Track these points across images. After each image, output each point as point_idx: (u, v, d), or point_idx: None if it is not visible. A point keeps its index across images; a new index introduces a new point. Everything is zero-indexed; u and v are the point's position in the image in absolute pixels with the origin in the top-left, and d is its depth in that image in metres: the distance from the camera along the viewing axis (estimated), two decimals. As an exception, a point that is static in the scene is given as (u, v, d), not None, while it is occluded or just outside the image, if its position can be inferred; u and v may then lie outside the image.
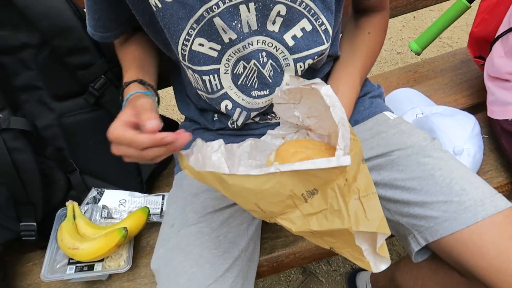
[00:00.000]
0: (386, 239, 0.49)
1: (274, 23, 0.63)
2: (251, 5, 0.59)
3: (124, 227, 0.80)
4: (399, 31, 2.02)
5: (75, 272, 0.80)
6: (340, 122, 0.51)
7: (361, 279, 1.14)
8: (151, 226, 0.90)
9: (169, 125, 0.98)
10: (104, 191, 0.90)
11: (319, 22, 0.64)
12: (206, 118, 0.80)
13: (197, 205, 0.72)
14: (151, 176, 0.96)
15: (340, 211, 0.48)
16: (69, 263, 0.81)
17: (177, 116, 1.79)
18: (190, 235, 0.69)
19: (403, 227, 0.69)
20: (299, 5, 0.61)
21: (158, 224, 0.89)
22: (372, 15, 0.77)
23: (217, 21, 0.60)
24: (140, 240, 0.89)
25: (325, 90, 0.54)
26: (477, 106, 0.97)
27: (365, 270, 1.15)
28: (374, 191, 0.50)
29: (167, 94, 1.90)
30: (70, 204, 0.86)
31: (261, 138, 0.69)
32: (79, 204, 0.88)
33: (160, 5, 0.59)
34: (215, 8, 0.59)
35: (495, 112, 0.85)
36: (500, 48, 0.85)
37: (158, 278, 0.70)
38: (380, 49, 0.79)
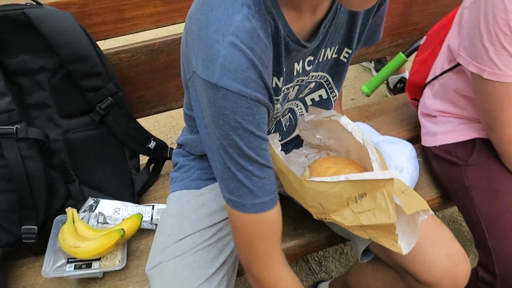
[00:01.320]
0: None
1: (303, 93, 0.81)
2: (296, 88, 0.75)
3: (122, 228, 0.91)
4: (352, 80, 2.32)
5: (74, 269, 0.89)
6: (365, 141, 0.70)
7: (321, 290, 1.29)
8: (141, 233, 1.01)
9: (157, 147, 1.11)
10: (99, 200, 1.01)
11: (333, 93, 0.84)
12: None
13: (193, 220, 0.84)
14: (142, 189, 1.08)
15: (388, 210, 0.64)
16: (68, 262, 0.90)
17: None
18: (186, 244, 0.81)
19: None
20: (323, 80, 0.81)
21: (148, 230, 1.02)
22: None
23: (277, 105, 0.73)
24: (131, 245, 0.99)
25: (343, 119, 0.73)
26: (414, 138, 1.19)
27: (324, 281, 1.30)
28: (408, 187, 0.66)
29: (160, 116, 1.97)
30: (70, 210, 0.95)
31: (286, 155, 0.85)
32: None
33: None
34: (279, 98, 0.72)
35: (427, 141, 1.08)
36: (429, 91, 1.09)
37: (153, 282, 0.81)
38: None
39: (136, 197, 1.07)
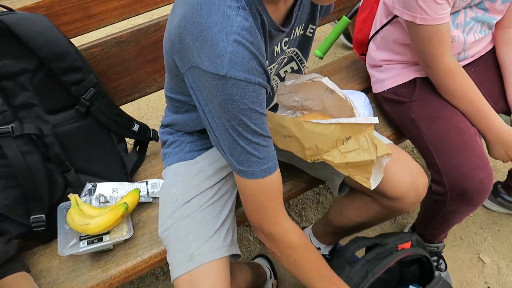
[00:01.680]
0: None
1: (277, 68, 0.93)
2: (276, 67, 0.89)
3: (125, 202, 1.01)
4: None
5: (87, 245, 0.99)
6: (347, 97, 0.84)
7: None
8: (139, 207, 1.11)
9: (140, 129, 1.20)
10: (97, 184, 1.10)
11: (302, 64, 0.97)
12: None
13: (195, 184, 0.96)
14: (133, 169, 1.18)
15: (369, 149, 0.80)
16: (80, 240, 1.00)
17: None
18: (192, 205, 0.94)
19: (329, 170, 1.01)
20: (294, 54, 0.94)
21: (146, 203, 1.12)
22: None
23: None
24: (133, 218, 1.09)
25: (325, 80, 0.86)
26: (366, 88, 1.35)
27: (306, 227, 1.45)
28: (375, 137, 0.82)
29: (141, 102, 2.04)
30: (72, 196, 1.04)
31: None
32: (78, 197, 1.07)
33: None
34: None
35: (377, 88, 1.24)
36: (373, 45, 1.25)
37: (168, 242, 0.92)
38: None
39: (129, 177, 1.17)
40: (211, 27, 0.65)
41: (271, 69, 0.88)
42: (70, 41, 1.03)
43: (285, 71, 0.98)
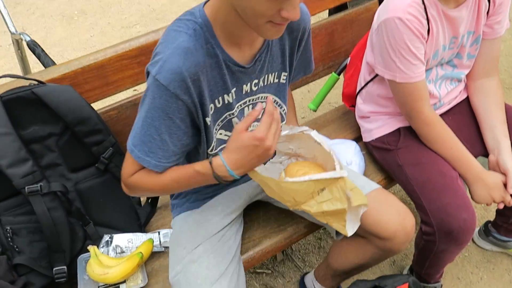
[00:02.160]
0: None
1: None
2: (250, 106, 1.02)
3: (140, 252, 1.10)
4: (300, 102, 2.64)
5: (106, 293, 1.07)
6: (331, 149, 0.96)
7: (308, 279, 1.50)
8: (152, 256, 1.20)
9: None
10: (113, 235, 1.19)
11: (282, 108, 1.08)
12: None
13: (201, 232, 1.07)
14: (146, 220, 1.28)
15: (341, 199, 0.91)
16: (99, 288, 1.08)
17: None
18: (199, 251, 1.04)
19: None
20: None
21: (158, 253, 1.21)
22: None
23: (234, 119, 0.99)
24: (147, 267, 1.18)
25: (314, 133, 0.98)
26: (357, 137, 1.48)
27: (309, 272, 1.52)
28: (355, 186, 0.94)
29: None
30: (91, 247, 1.13)
31: (265, 164, 1.02)
32: (96, 248, 1.15)
33: (210, 120, 0.94)
34: (234, 112, 0.98)
35: (366, 137, 1.37)
36: (360, 99, 1.40)
37: (178, 287, 1.01)
38: (294, 105, 1.27)
39: (143, 228, 1.26)
40: (162, 42, 0.86)
41: (241, 105, 1.00)
42: (92, 106, 1.16)
43: None
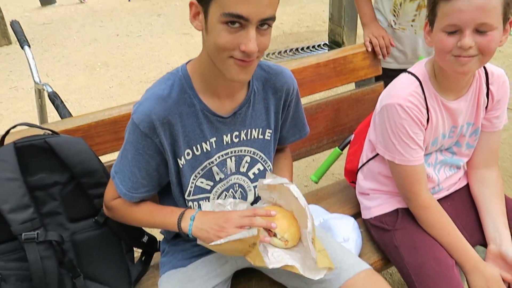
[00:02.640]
0: None
1: (243, 167, 1.11)
2: (233, 158, 1.08)
3: (126, 311, 1.08)
4: (303, 170, 2.67)
5: None
6: (306, 205, 0.98)
7: None
8: (138, 316, 1.17)
9: (149, 241, 1.32)
10: (101, 292, 1.18)
11: (267, 164, 1.14)
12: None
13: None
14: (137, 278, 1.26)
15: (260, 255, 0.95)
16: None
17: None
18: None
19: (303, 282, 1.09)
20: (257, 156, 1.12)
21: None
22: (282, 152, 1.30)
23: (214, 168, 1.05)
24: (131, 328, 1.15)
25: (292, 187, 1.00)
26: (356, 213, 1.48)
27: None
28: (324, 249, 0.95)
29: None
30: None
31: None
32: (83, 302, 1.13)
33: (183, 163, 1.03)
34: (214, 161, 1.05)
35: (365, 214, 1.38)
36: (361, 175, 1.42)
37: None
38: (291, 164, 1.30)
39: (133, 286, 1.24)
40: (147, 91, 1.00)
41: (223, 155, 1.07)
42: (100, 160, 1.20)
43: (254, 173, 1.14)
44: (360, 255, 1.31)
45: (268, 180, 1.05)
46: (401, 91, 1.15)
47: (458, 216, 1.26)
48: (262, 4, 0.82)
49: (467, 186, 1.37)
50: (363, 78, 1.70)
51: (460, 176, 1.37)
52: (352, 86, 1.91)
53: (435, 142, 1.22)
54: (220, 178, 1.09)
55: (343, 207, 1.54)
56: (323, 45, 4.60)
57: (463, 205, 1.34)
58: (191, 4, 0.90)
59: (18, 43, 5.14)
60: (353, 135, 1.57)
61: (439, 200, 1.26)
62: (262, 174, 1.15)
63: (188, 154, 1.03)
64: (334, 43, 4.52)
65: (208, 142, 1.03)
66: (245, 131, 1.07)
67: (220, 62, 0.90)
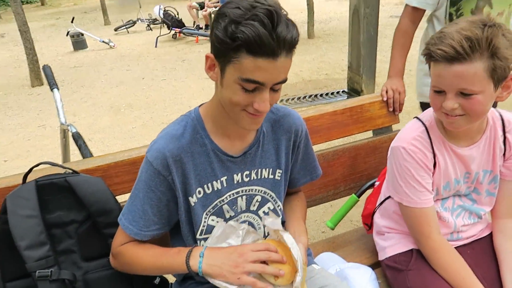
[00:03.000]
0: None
1: (254, 205, 1.12)
2: (243, 197, 1.10)
3: None
4: (321, 216, 2.63)
5: None
6: (299, 256, 0.97)
7: None
8: None
9: (161, 283, 1.30)
10: (109, 334, 1.15)
11: (277, 204, 1.15)
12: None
13: None
14: (146, 322, 1.23)
15: None
16: None
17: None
18: None
19: None
20: (268, 196, 1.13)
21: None
22: (295, 194, 1.30)
23: (225, 206, 1.07)
24: None
25: (286, 236, 0.99)
26: (375, 263, 1.44)
27: None
28: None
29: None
30: None
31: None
32: None
33: (195, 201, 1.05)
34: (225, 199, 1.06)
35: (380, 255, 1.35)
36: (378, 213, 1.40)
37: None
38: (305, 206, 1.29)
39: (141, 329, 1.21)
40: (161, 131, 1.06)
41: (233, 194, 1.09)
42: (116, 200, 1.22)
43: (264, 211, 1.14)
44: (378, 308, 1.25)
45: (270, 219, 1.04)
46: (406, 135, 1.17)
47: (478, 265, 1.21)
48: (277, 71, 0.88)
49: (491, 235, 1.33)
50: (380, 126, 1.71)
51: (482, 228, 1.33)
52: (369, 133, 1.91)
53: (447, 187, 1.21)
54: (230, 216, 1.10)
55: (360, 256, 1.50)
56: (341, 92, 4.67)
57: (484, 255, 1.28)
58: (207, 57, 0.95)
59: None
60: (371, 182, 1.55)
61: (458, 247, 1.23)
62: (272, 213, 1.15)
63: (199, 192, 1.05)
64: (352, 91, 4.58)
65: (219, 181, 1.06)
66: (255, 170, 1.10)
67: (232, 113, 0.96)
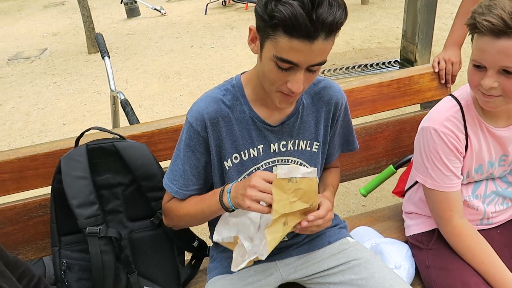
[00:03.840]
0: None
1: None
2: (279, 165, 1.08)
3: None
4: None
5: None
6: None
7: None
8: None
9: (200, 246, 1.37)
10: (152, 290, 1.24)
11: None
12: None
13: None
14: (185, 281, 1.31)
15: None
16: None
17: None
18: None
19: None
20: (302, 165, 1.12)
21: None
22: (331, 168, 1.29)
23: (274, 167, 1.03)
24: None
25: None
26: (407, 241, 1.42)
27: None
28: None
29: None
30: (130, 296, 1.19)
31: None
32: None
33: (230, 166, 1.07)
34: (260, 167, 1.08)
35: (406, 232, 1.35)
36: (406, 196, 1.39)
37: None
38: (338, 178, 1.28)
39: (181, 287, 1.29)
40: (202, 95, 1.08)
41: (269, 163, 1.10)
42: (160, 165, 1.28)
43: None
44: (412, 285, 1.25)
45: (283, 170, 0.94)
46: (439, 115, 1.11)
47: (507, 245, 1.18)
48: (313, 54, 0.86)
49: None
50: (429, 100, 1.63)
51: None
52: (417, 107, 1.83)
53: (479, 170, 1.15)
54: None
55: (398, 232, 1.48)
56: (394, 62, 4.46)
57: (514, 234, 1.23)
58: (250, 29, 0.95)
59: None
60: (411, 156, 1.51)
61: (486, 230, 1.19)
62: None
63: (235, 158, 1.08)
64: (406, 61, 4.36)
65: (255, 149, 1.07)
66: (292, 141, 1.10)
67: (267, 90, 0.97)
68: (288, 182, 0.90)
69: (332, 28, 0.84)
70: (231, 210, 0.98)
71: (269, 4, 0.84)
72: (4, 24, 8.93)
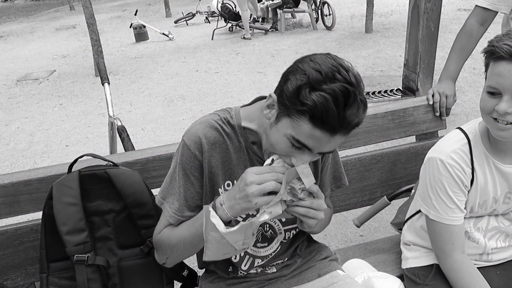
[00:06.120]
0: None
1: None
2: None
3: None
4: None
5: None
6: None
7: None
8: None
9: (189, 275, 1.35)
10: (139, 319, 1.22)
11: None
12: (222, 270, 1.20)
13: None
14: (173, 311, 1.30)
15: None
16: None
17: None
18: None
19: None
20: None
21: None
22: None
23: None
24: None
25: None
26: (402, 275, 1.39)
27: None
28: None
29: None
30: (115, 326, 1.17)
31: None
32: (120, 328, 1.19)
33: (223, 192, 1.06)
34: None
35: (403, 264, 1.32)
36: (406, 225, 1.36)
37: None
38: (330, 212, 1.27)
39: (169, 318, 1.27)
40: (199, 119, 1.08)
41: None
42: (151, 193, 1.28)
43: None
44: (403, 321, 1.22)
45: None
46: (446, 147, 1.11)
47: (507, 286, 1.14)
48: (329, 145, 0.89)
49: None
50: (424, 132, 1.64)
51: None
52: (412, 138, 1.84)
53: (483, 205, 1.14)
54: (252, 214, 1.08)
55: (391, 265, 1.46)
56: (396, 90, 4.49)
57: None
58: (269, 96, 0.95)
59: (113, 75, 5.69)
60: (405, 188, 1.51)
61: (485, 267, 1.17)
62: (294, 220, 1.13)
63: (228, 185, 1.08)
64: (408, 89, 4.38)
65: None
66: None
67: (266, 148, 0.99)
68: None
69: (353, 128, 0.88)
70: (228, 222, 0.95)
71: (302, 89, 0.85)
72: (16, 45, 9.17)
